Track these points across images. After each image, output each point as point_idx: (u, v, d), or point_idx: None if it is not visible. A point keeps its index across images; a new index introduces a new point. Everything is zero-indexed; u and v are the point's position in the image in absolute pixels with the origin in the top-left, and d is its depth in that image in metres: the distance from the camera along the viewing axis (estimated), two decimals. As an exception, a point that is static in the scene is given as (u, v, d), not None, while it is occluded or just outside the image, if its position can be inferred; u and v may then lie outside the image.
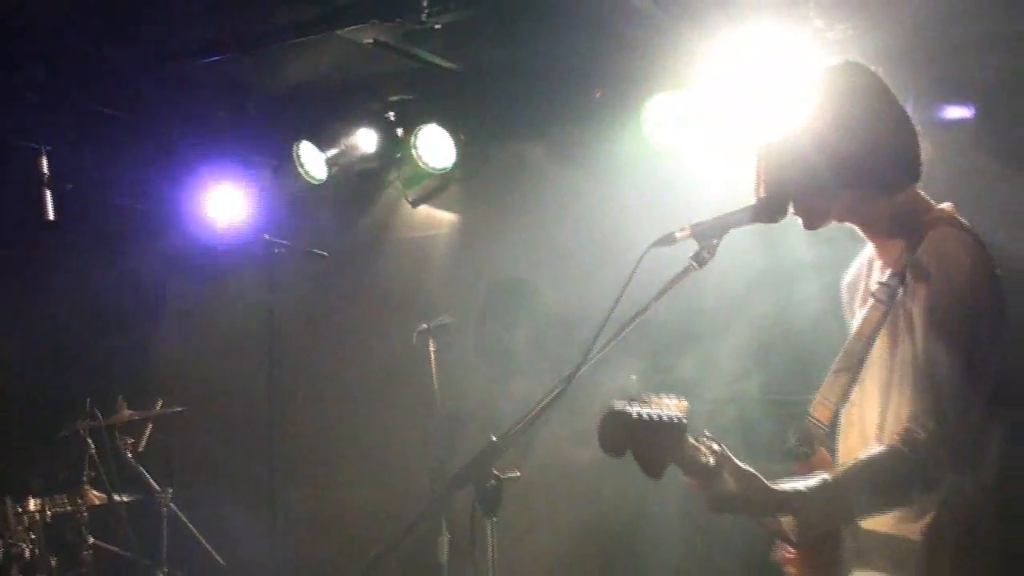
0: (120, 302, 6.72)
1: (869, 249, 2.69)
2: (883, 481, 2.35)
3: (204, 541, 5.48)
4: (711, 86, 4.93)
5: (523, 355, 5.51)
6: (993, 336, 2.40)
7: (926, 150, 2.55)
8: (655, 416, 2.37)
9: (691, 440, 2.41)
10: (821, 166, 2.46)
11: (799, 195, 2.50)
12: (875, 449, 2.43)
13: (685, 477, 2.43)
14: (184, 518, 5.47)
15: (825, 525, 2.45)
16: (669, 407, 2.40)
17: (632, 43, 5.08)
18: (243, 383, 6.31)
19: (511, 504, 5.10)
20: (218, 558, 5.45)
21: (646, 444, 2.37)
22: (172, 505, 5.46)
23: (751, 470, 2.42)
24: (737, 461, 2.42)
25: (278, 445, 5.67)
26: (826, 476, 2.42)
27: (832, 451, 2.63)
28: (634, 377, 2.51)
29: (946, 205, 2.53)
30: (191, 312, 6.60)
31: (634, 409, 2.37)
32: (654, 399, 2.41)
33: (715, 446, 2.42)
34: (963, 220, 2.50)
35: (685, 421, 2.39)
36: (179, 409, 5.59)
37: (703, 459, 2.41)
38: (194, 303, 6.60)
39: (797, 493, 2.38)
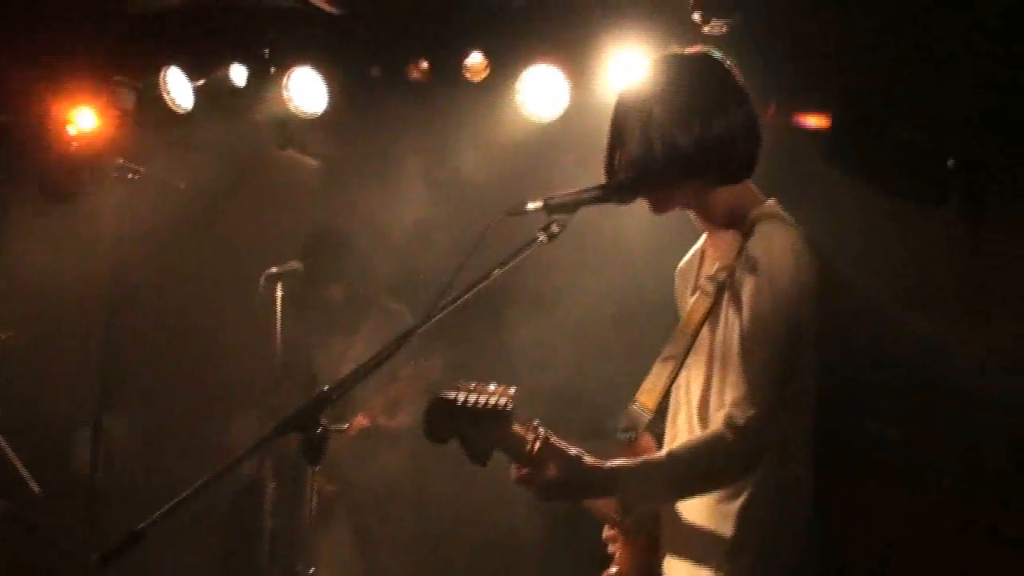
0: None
1: (702, 240, 2.78)
2: (704, 463, 2.46)
3: (21, 467, 5.28)
4: (592, 64, 5.03)
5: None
6: (810, 331, 2.52)
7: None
8: (480, 402, 2.43)
9: (518, 427, 2.47)
10: (678, 151, 2.51)
11: (647, 180, 2.55)
12: (699, 433, 2.53)
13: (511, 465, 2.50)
14: (2, 442, 5.26)
15: (646, 503, 2.54)
16: (495, 394, 2.45)
17: (515, 12, 5.14)
18: (79, 312, 6.10)
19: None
20: (34, 485, 5.26)
21: (471, 431, 2.43)
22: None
23: (574, 451, 2.48)
24: (560, 445, 2.48)
25: (109, 374, 5.49)
26: (650, 457, 2.51)
27: (658, 436, 2.72)
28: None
29: (771, 200, 2.64)
30: (33, 230, 6.33)
31: (459, 396, 2.42)
32: (480, 387, 2.46)
33: (540, 431, 2.47)
34: (788, 216, 2.60)
35: (511, 407, 2.45)
36: (6, 336, 5.38)
37: (527, 446, 2.47)
38: (39, 222, 6.32)
39: (622, 470, 2.47)
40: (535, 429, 2.50)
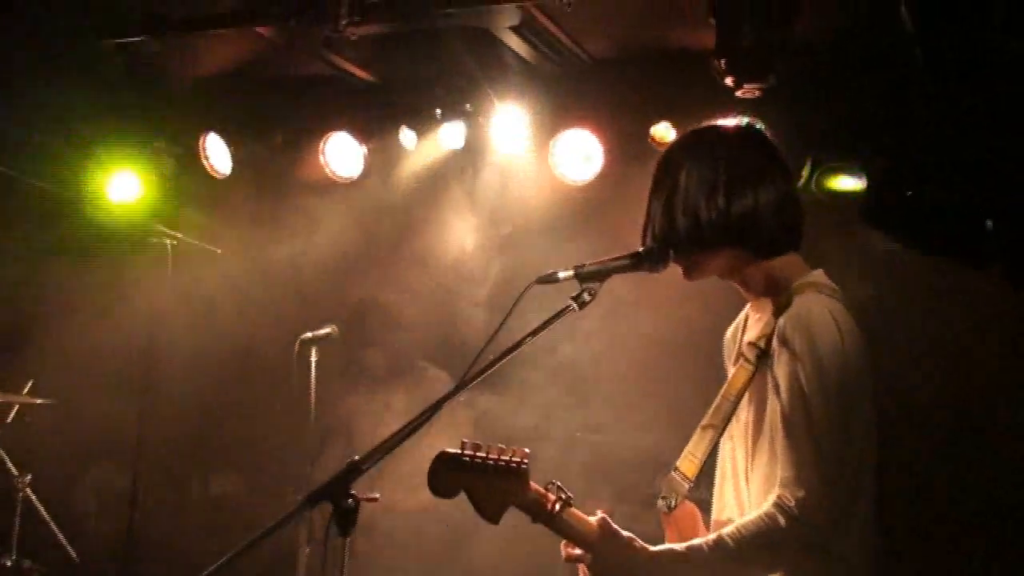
0: (5, 278, 6.47)
1: (747, 308, 2.74)
2: (756, 548, 2.39)
3: (58, 532, 5.29)
4: (625, 130, 5.07)
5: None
6: (862, 401, 2.45)
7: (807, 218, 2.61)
8: (491, 460, 2.43)
9: (535, 486, 2.46)
10: (707, 222, 2.50)
11: (683, 247, 2.53)
12: (750, 516, 2.47)
13: (535, 523, 2.47)
14: (40, 506, 5.28)
15: None
16: (508, 452, 2.46)
17: (550, 78, 5.19)
18: (117, 376, 6.14)
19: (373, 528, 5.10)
20: (71, 551, 5.27)
21: (481, 486, 2.42)
22: (29, 491, 5.26)
23: (629, 534, 2.47)
24: (614, 526, 2.47)
25: (145, 445, 5.52)
26: (698, 541, 2.46)
27: (698, 503, 2.67)
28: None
29: (818, 271, 2.60)
30: (72, 295, 6.39)
31: (468, 452, 2.41)
32: (493, 447, 2.46)
33: (568, 495, 2.47)
34: (832, 285, 2.56)
35: (526, 465, 2.45)
36: (47, 401, 5.43)
37: (549, 506, 2.45)
38: (77, 287, 6.38)
39: (672, 555, 2.43)
40: (556, 488, 2.48)
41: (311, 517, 4.94)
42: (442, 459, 2.45)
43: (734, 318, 2.80)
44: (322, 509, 2.43)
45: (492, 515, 2.46)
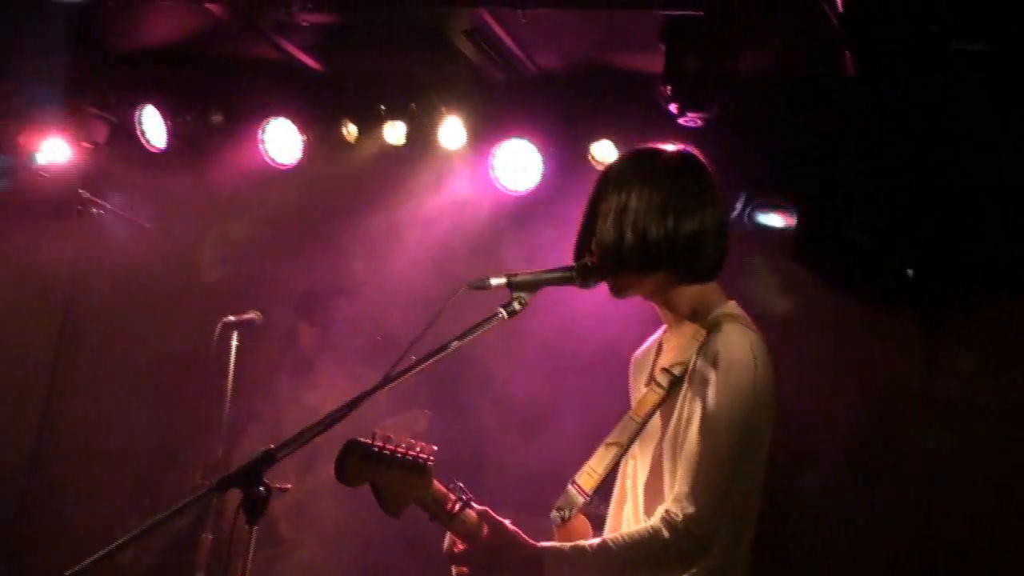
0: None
1: (660, 331, 2.79)
2: (638, 557, 2.45)
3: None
4: (566, 144, 5.11)
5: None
6: (761, 438, 2.54)
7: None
8: (399, 452, 2.43)
9: (438, 485, 2.48)
10: (647, 243, 2.54)
11: (613, 266, 2.57)
12: (637, 527, 2.52)
13: (433, 522, 2.51)
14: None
15: None
16: (416, 447, 2.48)
17: (495, 86, 5.22)
18: (29, 349, 5.99)
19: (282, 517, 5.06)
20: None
21: (386, 479, 2.43)
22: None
23: (511, 527, 2.51)
24: (495, 516, 2.52)
25: (54, 406, 5.40)
26: (583, 543, 2.49)
27: (592, 519, 2.71)
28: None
29: (733, 302, 2.66)
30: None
31: (377, 443, 2.42)
32: (403, 440, 2.48)
33: (469, 496, 2.51)
34: (747, 317, 2.63)
35: (431, 463, 2.47)
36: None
37: (448, 505, 2.48)
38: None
39: (553, 553, 2.47)
40: (459, 490, 2.52)
41: (218, 505, 4.88)
42: (352, 448, 2.45)
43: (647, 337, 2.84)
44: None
45: (394, 510, 2.48)
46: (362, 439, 2.46)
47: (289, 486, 4.67)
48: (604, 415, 2.80)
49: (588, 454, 2.65)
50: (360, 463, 2.44)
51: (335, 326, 5.59)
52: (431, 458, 2.49)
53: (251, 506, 2.35)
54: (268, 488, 2.38)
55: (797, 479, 4.90)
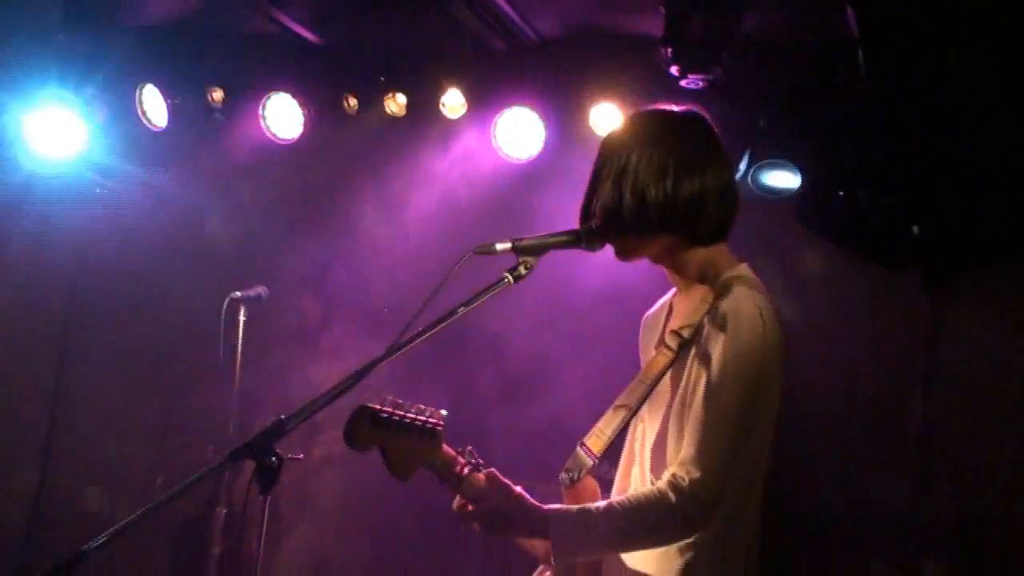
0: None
1: (670, 293, 2.79)
2: (643, 521, 2.45)
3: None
4: (569, 110, 5.09)
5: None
6: (770, 402, 2.53)
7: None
8: (408, 418, 2.45)
9: (448, 449, 2.50)
10: (647, 204, 2.52)
11: (615, 228, 2.56)
12: (643, 489, 2.52)
13: (442, 485, 2.52)
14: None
15: (580, 553, 2.52)
16: (425, 413, 2.49)
17: (496, 55, 5.20)
18: (41, 328, 6.02)
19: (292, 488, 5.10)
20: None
21: (396, 443, 2.45)
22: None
23: (518, 489, 2.51)
24: (503, 478, 2.52)
25: (61, 390, 5.42)
26: (589, 505, 2.50)
27: (601, 482, 2.71)
28: (444, 412, 2.57)
29: (743, 264, 2.65)
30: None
31: (386, 408, 2.43)
32: (412, 405, 2.49)
33: (478, 460, 2.52)
34: (758, 281, 2.62)
35: (441, 427, 2.49)
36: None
37: (457, 469, 2.49)
38: (8, 236, 6.22)
39: (559, 515, 2.47)
40: (469, 453, 2.53)
41: (230, 479, 4.92)
42: (363, 413, 2.46)
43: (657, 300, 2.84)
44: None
45: (402, 474, 2.49)
46: (371, 404, 2.47)
47: (301, 456, 4.69)
48: (611, 377, 2.81)
49: (595, 417, 2.65)
50: (370, 428, 2.46)
51: (341, 298, 5.61)
52: (440, 423, 2.50)
53: (264, 476, 2.36)
54: (280, 458, 2.39)
55: (803, 444, 4.91)
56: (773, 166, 4.80)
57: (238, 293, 5.00)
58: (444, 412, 2.52)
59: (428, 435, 2.49)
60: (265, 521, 2.48)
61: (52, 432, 5.74)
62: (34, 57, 5.70)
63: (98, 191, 5.60)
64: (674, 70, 4.33)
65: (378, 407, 2.47)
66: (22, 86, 5.72)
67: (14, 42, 5.53)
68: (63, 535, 5.86)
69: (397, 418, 2.47)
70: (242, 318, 4.99)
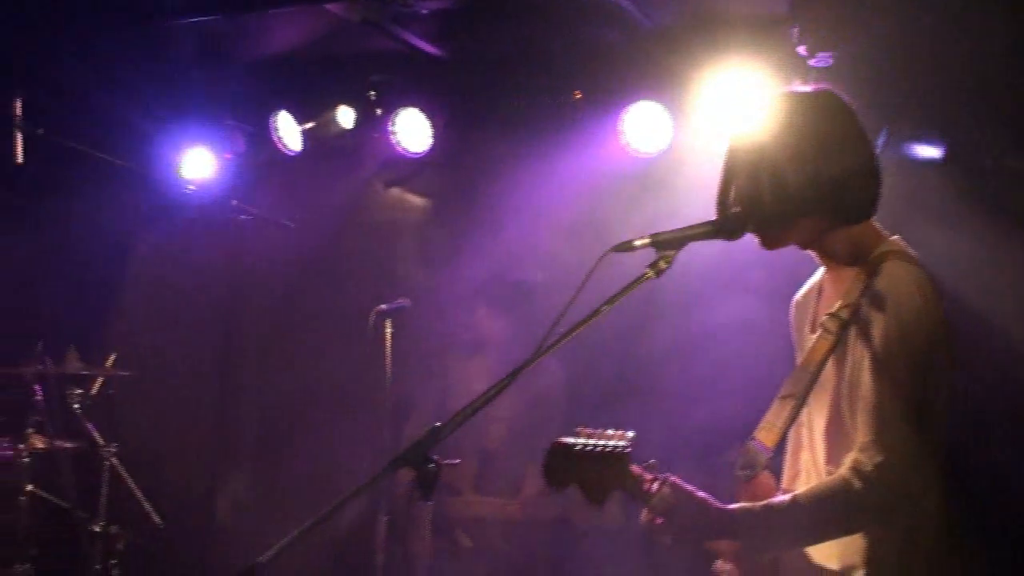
0: (81, 253, 6.64)
1: (820, 273, 2.73)
2: (830, 511, 2.40)
3: (143, 499, 5.43)
4: (694, 99, 5.03)
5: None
6: (940, 372, 2.45)
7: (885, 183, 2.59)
8: (597, 446, 2.52)
9: (635, 467, 2.52)
10: (788, 190, 2.48)
11: (762, 216, 2.52)
12: (825, 480, 2.48)
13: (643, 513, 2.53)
14: (126, 475, 5.43)
15: (770, 549, 2.50)
16: (612, 438, 2.54)
17: (616, 49, 5.18)
18: (197, 349, 6.27)
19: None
20: (156, 517, 5.41)
21: (588, 474, 2.52)
22: (115, 460, 5.40)
23: (701, 495, 2.49)
24: (688, 488, 2.50)
25: (226, 416, 5.64)
26: (773, 502, 2.47)
27: (777, 475, 2.68)
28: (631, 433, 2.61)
29: (896, 238, 2.58)
30: (151, 270, 6.54)
31: (577, 441, 2.49)
32: (598, 433, 2.55)
33: (661, 475, 2.51)
34: (913, 253, 2.55)
35: (628, 450, 2.51)
36: (128, 373, 5.58)
37: (646, 486, 2.50)
38: (156, 262, 6.54)
39: (746, 515, 2.45)
40: (653, 468, 2.53)
41: (390, 487, 5.03)
42: (556, 451, 2.56)
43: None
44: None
45: (598, 500, 2.56)
46: (563, 440, 2.56)
47: (458, 461, 4.78)
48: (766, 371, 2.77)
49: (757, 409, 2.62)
50: (563, 464, 2.55)
51: (487, 308, 5.66)
52: (628, 446, 2.53)
53: (424, 482, 2.43)
54: (438, 464, 2.45)
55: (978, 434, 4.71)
56: (914, 137, 4.65)
57: (383, 306, 5.13)
58: (631, 434, 2.55)
59: (615, 460, 2.52)
60: (428, 526, 2.54)
61: (219, 453, 5.96)
62: (174, 94, 5.98)
63: (243, 218, 5.80)
64: (802, 50, 4.25)
65: (570, 441, 2.55)
66: (168, 122, 6.01)
67: (152, 79, 5.80)
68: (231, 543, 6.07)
69: (588, 450, 2.53)
70: (388, 330, 5.12)
